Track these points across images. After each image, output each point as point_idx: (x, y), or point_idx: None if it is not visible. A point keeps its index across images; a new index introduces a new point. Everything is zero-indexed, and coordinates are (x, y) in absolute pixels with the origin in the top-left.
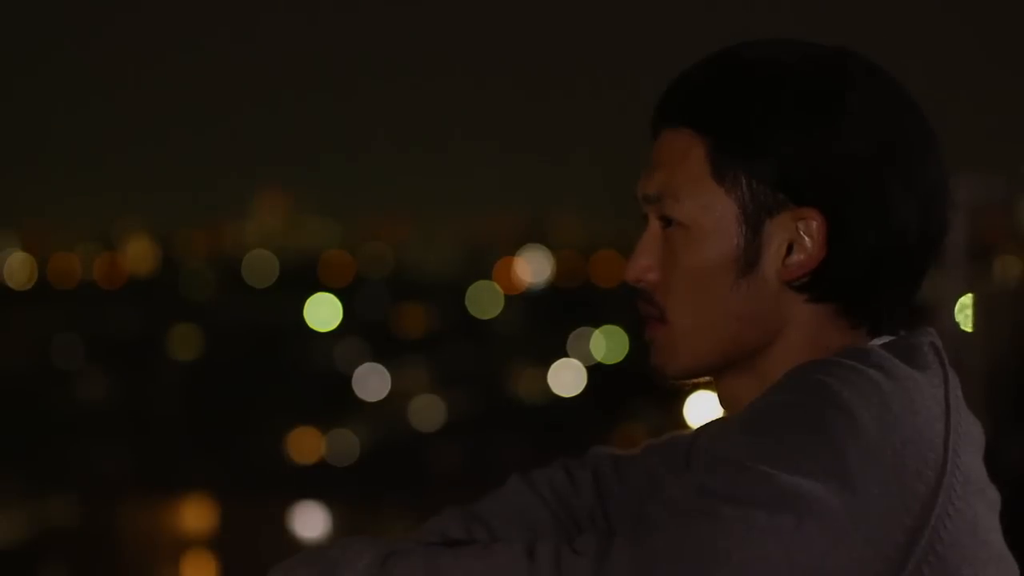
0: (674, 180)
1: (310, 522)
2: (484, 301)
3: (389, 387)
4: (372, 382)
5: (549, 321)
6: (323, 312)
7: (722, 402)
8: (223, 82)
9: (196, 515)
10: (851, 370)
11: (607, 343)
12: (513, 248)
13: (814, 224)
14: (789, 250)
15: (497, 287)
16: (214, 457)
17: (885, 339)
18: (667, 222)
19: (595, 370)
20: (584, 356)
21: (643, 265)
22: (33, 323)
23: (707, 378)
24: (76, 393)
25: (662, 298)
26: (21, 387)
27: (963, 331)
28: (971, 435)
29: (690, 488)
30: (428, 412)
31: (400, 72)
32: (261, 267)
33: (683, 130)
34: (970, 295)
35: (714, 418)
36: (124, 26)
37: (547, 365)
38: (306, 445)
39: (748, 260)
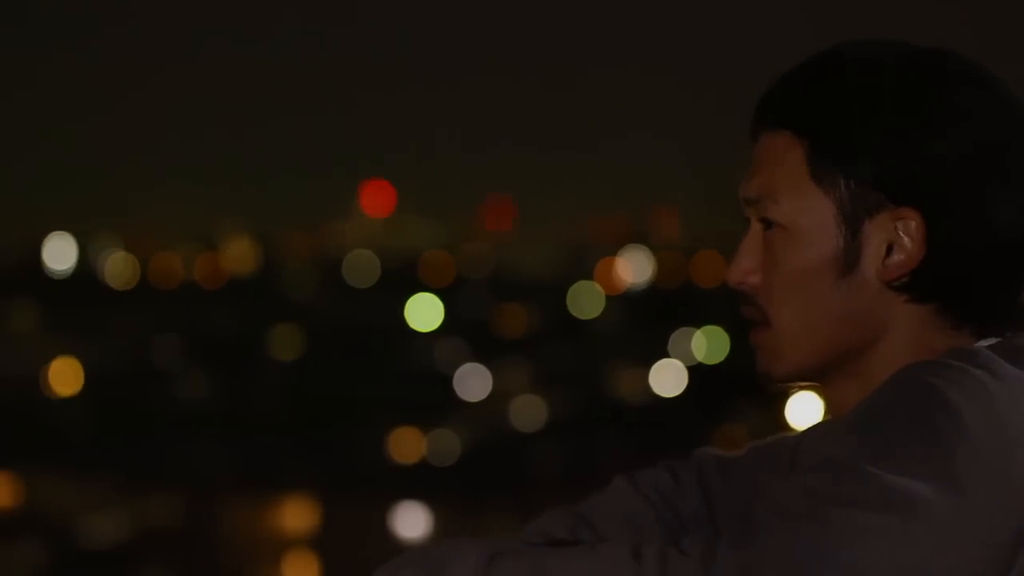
0: (773, 182)
1: (411, 522)
2: (585, 301)
3: (490, 387)
4: (473, 382)
5: (650, 321)
6: (424, 312)
7: (827, 405)
8: (325, 81)
9: (298, 515)
10: (957, 371)
11: (708, 343)
12: (614, 248)
13: (913, 224)
14: (889, 251)
15: (598, 287)
16: (315, 457)
17: (991, 340)
18: (767, 224)
19: (696, 370)
20: (685, 356)
21: (744, 268)
22: (134, 323)
23: (812, 382)
24: (177, 393)
25: (764, 301)
26: (122, 387)
27: None
28: None
29: (796, 490)
30: (529, 412)
31: (503, 69)
32: (362, 267)
33: (781, 132)
34: None
35: (820, 420)
36: (219, 23)
37: (648, 365)
38: (407, 445)
39: (848, 261)
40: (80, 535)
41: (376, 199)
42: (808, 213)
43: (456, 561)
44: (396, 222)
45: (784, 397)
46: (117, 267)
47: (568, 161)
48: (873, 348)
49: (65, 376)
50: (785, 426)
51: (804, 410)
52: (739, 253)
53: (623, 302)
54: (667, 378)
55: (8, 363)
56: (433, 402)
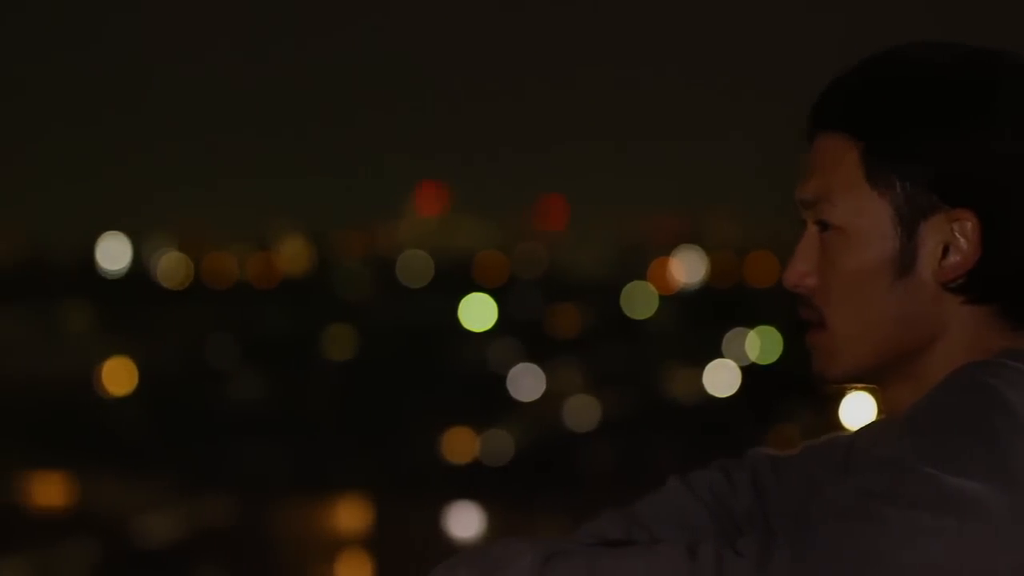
0: (829, 184)
1: (464, 522)
2: (639, 301)
3: (544, 387)
4: (526, 382)
5: (703, 321)
6: (477, 312)
7: (882, 405)
8: (379, 81)
9: (351, 515)
10: (1014, 371)
11: (762, 343)
12: (668, 249)
13: (969, 225)
14: (945, 252)
15: (652, 287)
16: (369, 457)
17: None
18: (824, 226)
19: (749, 370)
20: (739, 356)
21: (800, 270)
22: (187, 323)
23: (868, 383)
24: (230, 393)
25: (821, 303)
26: (176, 387)
27: None
28: None
29: (851, 490)
30: (582, 412)
31: (556, 70)
32: (416, 267)
33: (836, 134)
34: None
35: (874, 420)
36: (275, 24)
37: (702, 365)
38: (460, 445)
39: (904, 263)
40: (134, 535)
41: (430, 199)
42: (864, 215)
43: (512, 561)
44: (450, 222)
45: (837, 398)
46: (171, 267)
47: (621, 161)
48: (929, 349)
49: (119, 376)
50: (838, 426)
51: (857, 410)
52: (796, 255)
53: (676, 302)
54: (720, 378)
55: (62, 363)
56: (486, 402)
